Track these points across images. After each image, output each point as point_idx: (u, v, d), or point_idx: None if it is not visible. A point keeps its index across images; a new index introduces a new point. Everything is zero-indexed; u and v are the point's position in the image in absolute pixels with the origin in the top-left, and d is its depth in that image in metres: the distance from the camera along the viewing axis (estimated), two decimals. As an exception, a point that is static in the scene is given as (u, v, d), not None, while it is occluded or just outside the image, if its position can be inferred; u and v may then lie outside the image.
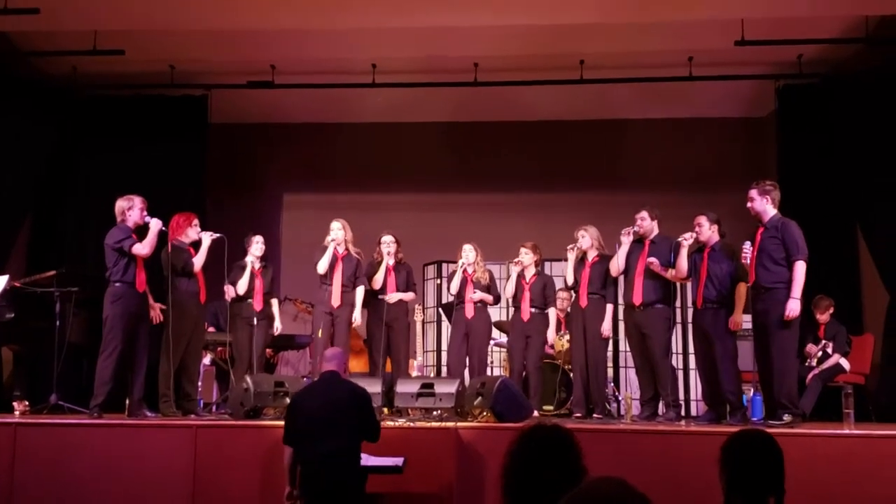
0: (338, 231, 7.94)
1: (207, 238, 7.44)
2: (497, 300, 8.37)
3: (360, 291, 8.03)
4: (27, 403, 7.20)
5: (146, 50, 9.05)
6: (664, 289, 7.37)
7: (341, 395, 5.08)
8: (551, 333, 8.06)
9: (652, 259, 7.36)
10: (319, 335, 7.74)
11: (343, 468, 4.92)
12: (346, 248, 7.98)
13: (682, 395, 8.39)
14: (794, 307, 6.40)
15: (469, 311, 8.06)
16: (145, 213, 7.08)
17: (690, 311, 7.61)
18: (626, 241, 7.58)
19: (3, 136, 8.91)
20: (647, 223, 7.55)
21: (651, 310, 7.35)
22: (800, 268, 6.46)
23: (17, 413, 7.03)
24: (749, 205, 6.72)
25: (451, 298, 8.30)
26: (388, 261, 8.11)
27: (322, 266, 7.84)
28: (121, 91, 9.88)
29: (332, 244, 7.88)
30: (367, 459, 5.23)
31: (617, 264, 7.63)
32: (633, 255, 7.56)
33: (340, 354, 5.49)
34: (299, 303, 9.91)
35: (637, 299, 7.41)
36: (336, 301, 7.83)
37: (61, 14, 8.15)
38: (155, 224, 7.03)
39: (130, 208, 7.04)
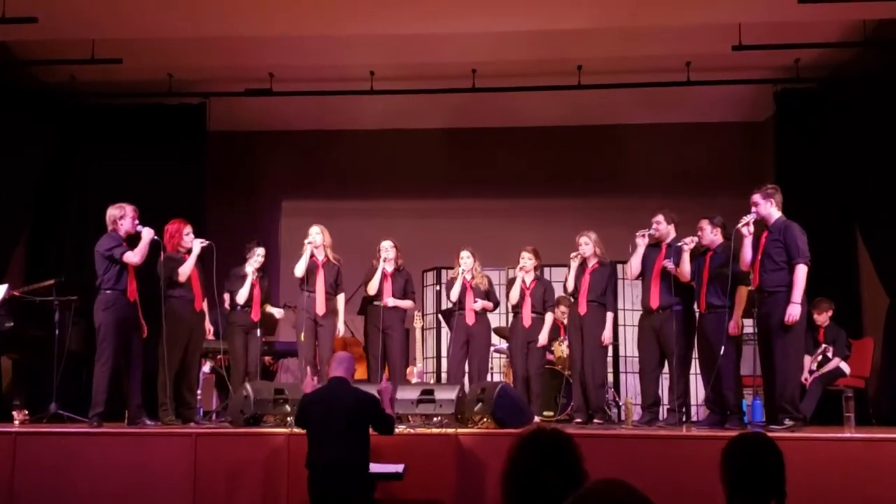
0: (316, 235, 7.90)
1: (197, 246, 7.44)
2: (496, 306, 8.37)
3: (340, 300, 8.04)
4: (27, 412, 7.20)
5: (144, 58, 9.06)
6: (681, 292, 7.33)
7: (347, 403, 5.10)
8: (544, 336, 8.03)
9: (667, 261, 7.32)
10: (303, 338, 7.71)
11: (349, 476, 4.95)
12: (326, 255, 7.94)
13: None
14: (793, 312, 6.38)
15: (470, 318, 8.05)
16: (137, 221, 7.06)
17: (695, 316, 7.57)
18: (642, 243, 7.51)
19: (2, 145, 8.90)
20: (662, 227, 7.49)
21: (669, 312, 7.29)
22: (800, 271, 6.44)
23: (16, 422, 7.03)
24: (754, 209, 6.69)
25: (450, 305, 8.28)
26: (386, 267, 8.09)
27: (299, 269, 7.80)
28: (119, 100, 9.88)
29: (309, 247, 7.84)
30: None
31: (632, 267, 7.59)
32: (648, 259, 7.49)
33: (349, 359, 5.44)
34: (297, 310, 9.87)
35: (654, 303, 7.38)
36: (321, 308, 7.81)
37: (59, 23, 8.15)
38: (147, 233, 7.02)
39: (122, 217, 7.02)
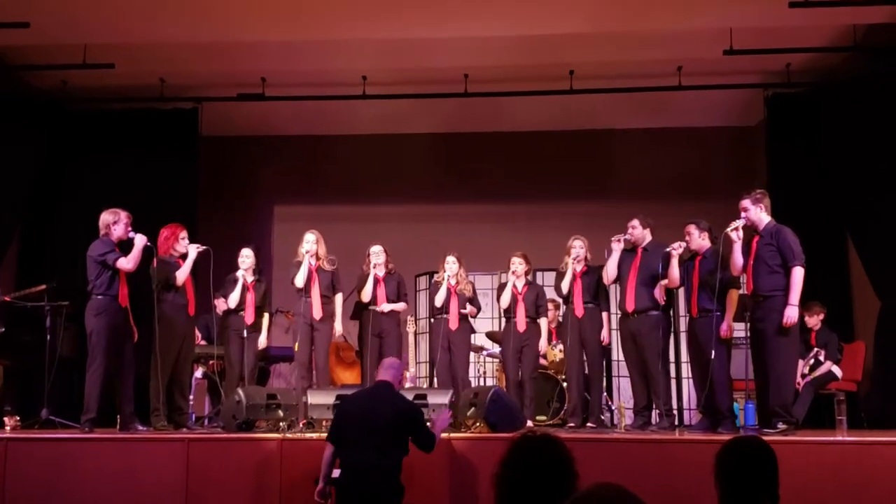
0: (312, 244, 7.91)
1: (193, 251, 7.42)
2: (478, 311, 8.38)
3: (338, 299, 8.03)
4: (18, 418, 7.15)
5: (136, 63, 9.05)
6: (658, 295, 7.37)
7: (385, 410, 5.01)
8: (543, 343, 8.06)
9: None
10: (296, 348, 7.71)
11: (378, 483, 4.88)
12: (318, 262, 7.93)
13: (675, 404, 8.37)
14: (792, 314, 6.40)
15: (454, 323, 8.08)
16: (129, 228, 7.04)
17: (684, 320, 7.59)
18: (617, 248, 7.58)
19: (-7, 151, 8.88)
20: (638, 231, 7.56)
21: (645, 316, 7.35)
22: (797, 274, 6.46)
23: (7, 428, 6.98)
24: (744, 215, 6.71)
25: (433, 310, 8.29)
26: (377, 272, 8.10)
27: (300, 280, 7.81)
28: (111, 105, 9.86)
29: (307, 256, 7.85)
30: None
31: (608, 272, 7.63)
32: (625, 263, 7.55)
33: (398, 366, 5.38)
34: (290, 315, 9.87)
35: (630, 306, 7.41)
36: (317, 313, 7.81)
37: (51, 28, 8.15)
38: (140, 239, 6.99)
39: (116, 222, 6.99)
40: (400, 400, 5.25)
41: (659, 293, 7.30)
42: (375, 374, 5.50)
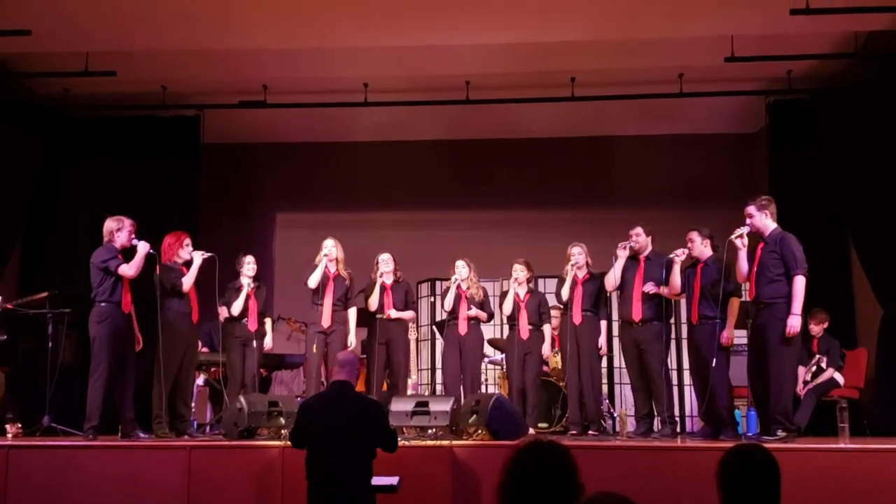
0: (331, 248, 7.91)
1: (198, 258, 7.43)
2: (490, 317, 8.36)
3: (352, 313, 8.01)
4: (19, 426, 7.16)
5: (138, 71, 9.06)
6: (659, 305, 7.36)
7: (352, 410, 4.92)
8: (546, 349, 8.05)
9: (648, 286, 7.35)
10: (315, 349, 7.69)
11: (350, 486, 4.80)
12: (337, 269, 7.94)
13: (677, 412, 8.36)
14: (794, 323, 6.38)
15: (462, 328, 8.04)
16: (133, 235, 7.06)
17: (685, 328, 7.59)
18: (623, 255, 7.55)
19: (-5, 158, 8.89)
20: (642, 239, 7.55)
21: (649, 326, 7.34)
22: (799, 282, 6.43)
23: (9, 435, 6.99)
24: (749, 221, 6.69)
25: (444, 316, 8.27)
26: (385, 280, 8.10)
27: (313, 281, 7.79)
28: (112, 112, 9.88)
29: (325, 260, 7.84)
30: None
31: (613, 279, 7.61)
32: (628, 272, 7.54)
33: (352, 362, 5.22)
34: (292, 322, 9.89)
35: (637, 315, 7.40)
36: (327, 321, 7.80)
37: (53, 36, 8.16)
38: (143, 247, 7.01)
39: (119, 230, 7.03)
40: (362, 397, 5.19)
41: (657, 290, 7.30)
42: (330, 374, 5.39)
